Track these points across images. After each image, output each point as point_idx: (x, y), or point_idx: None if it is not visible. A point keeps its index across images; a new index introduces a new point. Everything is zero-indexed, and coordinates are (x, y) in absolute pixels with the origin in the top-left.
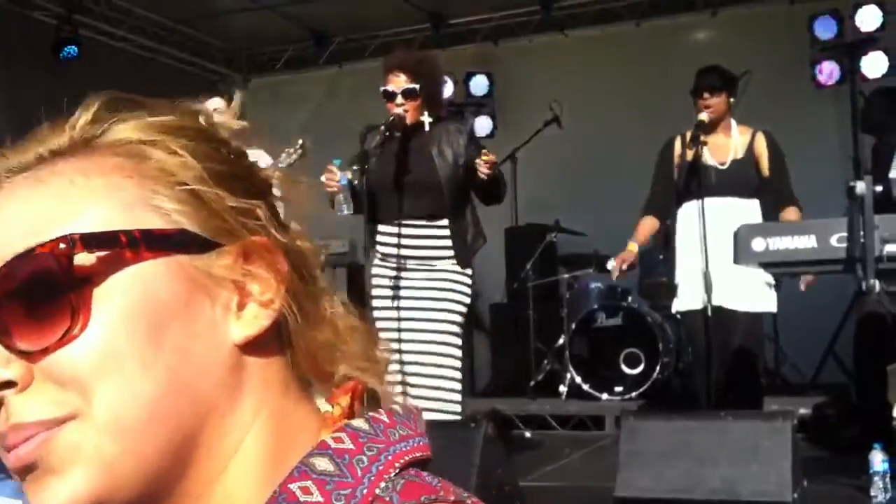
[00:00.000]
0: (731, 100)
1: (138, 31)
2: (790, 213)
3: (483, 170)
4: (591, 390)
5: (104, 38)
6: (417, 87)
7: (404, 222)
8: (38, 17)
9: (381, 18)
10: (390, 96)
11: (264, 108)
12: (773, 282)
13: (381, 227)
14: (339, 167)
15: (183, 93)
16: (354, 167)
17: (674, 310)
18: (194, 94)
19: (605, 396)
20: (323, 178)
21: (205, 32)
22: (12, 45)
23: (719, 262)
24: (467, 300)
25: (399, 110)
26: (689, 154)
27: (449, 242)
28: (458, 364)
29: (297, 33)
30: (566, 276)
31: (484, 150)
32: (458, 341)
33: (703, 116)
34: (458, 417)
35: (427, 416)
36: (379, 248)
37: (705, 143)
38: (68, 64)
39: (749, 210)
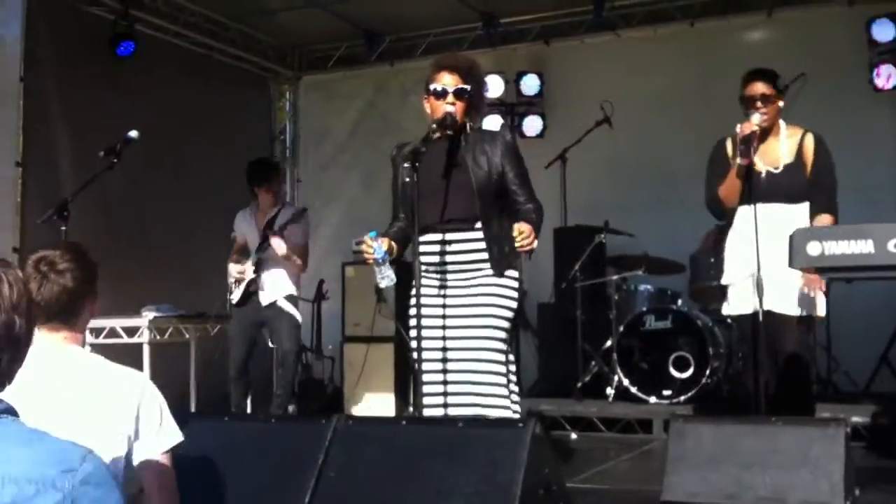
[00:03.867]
0: (781, 104)
1: (192, 28)
2: (823, 221)
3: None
4: (638, 393)
5: (159, 33)
6: (469, 87)
7: (447, 228)
8: (95, 13)
9: (433, 17)
10: (441, 94)
11: (315, 105)
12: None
13: (423, 237)
14: (374, 238)
15: (235, 89)
16: (405, 164)
17: (724, 313)
18: (246, 91)
19: (652, 400)
20: (361, 247)
21: (258, 29)
22: (70, 40)
23: (769, 266)
24: (512, 305)
25: (450, 108)
26: (739, 159)
27: (484, 246)
28: (503, 373)
29: (349, 31)
30: (615, 277)
31: (520, 232)
32: (502, 351)
33: (756, 119)
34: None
35: None
36: (422, 257)
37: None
38: (124, 59)
39: (799, 214)
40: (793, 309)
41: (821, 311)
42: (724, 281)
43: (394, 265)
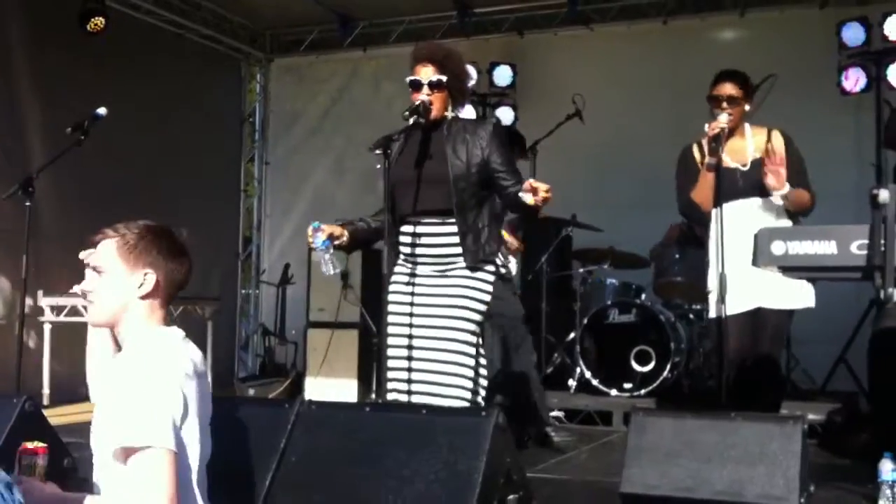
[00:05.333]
0: (748, 107)
1: (164, 6)
2: (801, 195)
3: (531, 200)
4: (599, 385)
5: (130, 10)
6: (444, 78)
7: (420, 220)
8: None
9: (408, 4)
10: (417, 86)
11: (286, 88)
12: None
13: (400, 227)
14: (316, 228)
15: (206, 69)
16: (377, 151)
17: (710, 316)
18: (217, 71)
19: (613, 392)
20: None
21: (230, 10)
22: (39, 15)
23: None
24: (485, 299)
25: (425, 99)
26: (708, 157)
27: (457, 240)
28: (470, 371)
29: (323, 15)
30: (581, 270)
31: (535, 189)
32: (470, 348)
33: (724, 118)
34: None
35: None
36: (399, 247)
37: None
38: (94, 35)
39: (775, 207)
40: (782, 303)
41: (811, 301)
42: (708, 288)
43: (346, 252)
